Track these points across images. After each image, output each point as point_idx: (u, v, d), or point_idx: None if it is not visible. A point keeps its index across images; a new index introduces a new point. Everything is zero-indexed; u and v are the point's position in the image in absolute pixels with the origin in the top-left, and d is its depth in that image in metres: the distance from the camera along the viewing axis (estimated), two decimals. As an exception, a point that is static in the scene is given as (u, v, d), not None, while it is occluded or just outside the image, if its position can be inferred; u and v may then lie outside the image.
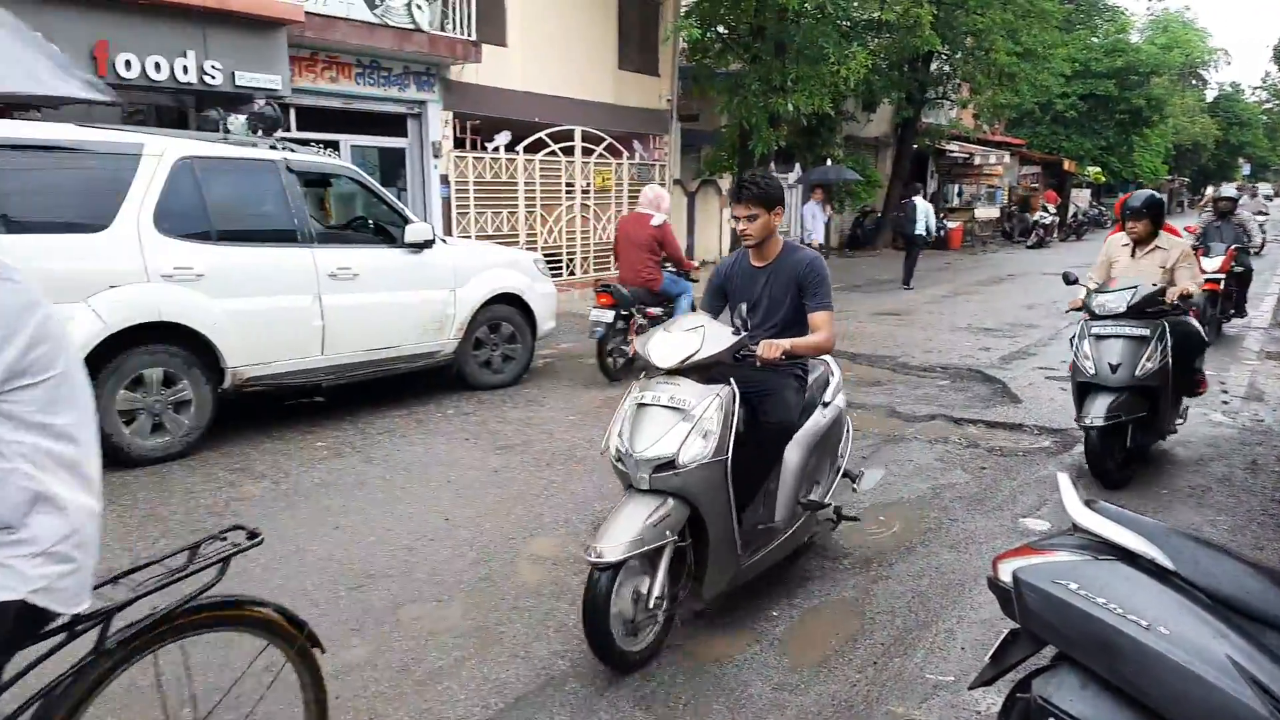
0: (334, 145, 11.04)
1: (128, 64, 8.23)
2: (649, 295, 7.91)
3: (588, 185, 15.32)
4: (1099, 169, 35.53)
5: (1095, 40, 34.36)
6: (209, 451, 5.64)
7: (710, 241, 18.67)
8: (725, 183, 18.23)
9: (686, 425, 3.09)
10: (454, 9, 12.18)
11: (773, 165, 17.89)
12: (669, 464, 3.04)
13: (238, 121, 6.18)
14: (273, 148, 6.17)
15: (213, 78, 8.79)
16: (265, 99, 7.74)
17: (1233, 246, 9.98)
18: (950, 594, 3.81)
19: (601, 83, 15.52)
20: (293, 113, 10.65)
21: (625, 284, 7.88)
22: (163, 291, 5.39)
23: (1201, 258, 9.60)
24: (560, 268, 14.56)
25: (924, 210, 15.28)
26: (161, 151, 5.46)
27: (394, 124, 12.36)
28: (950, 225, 24.39)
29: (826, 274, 3.73)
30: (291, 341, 6.12)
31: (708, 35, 15.69)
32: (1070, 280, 5.98)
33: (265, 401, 6.53)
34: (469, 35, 12.24)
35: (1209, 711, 2.06)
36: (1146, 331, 5.06)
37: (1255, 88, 59.11)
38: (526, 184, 14.11)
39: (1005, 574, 2.42)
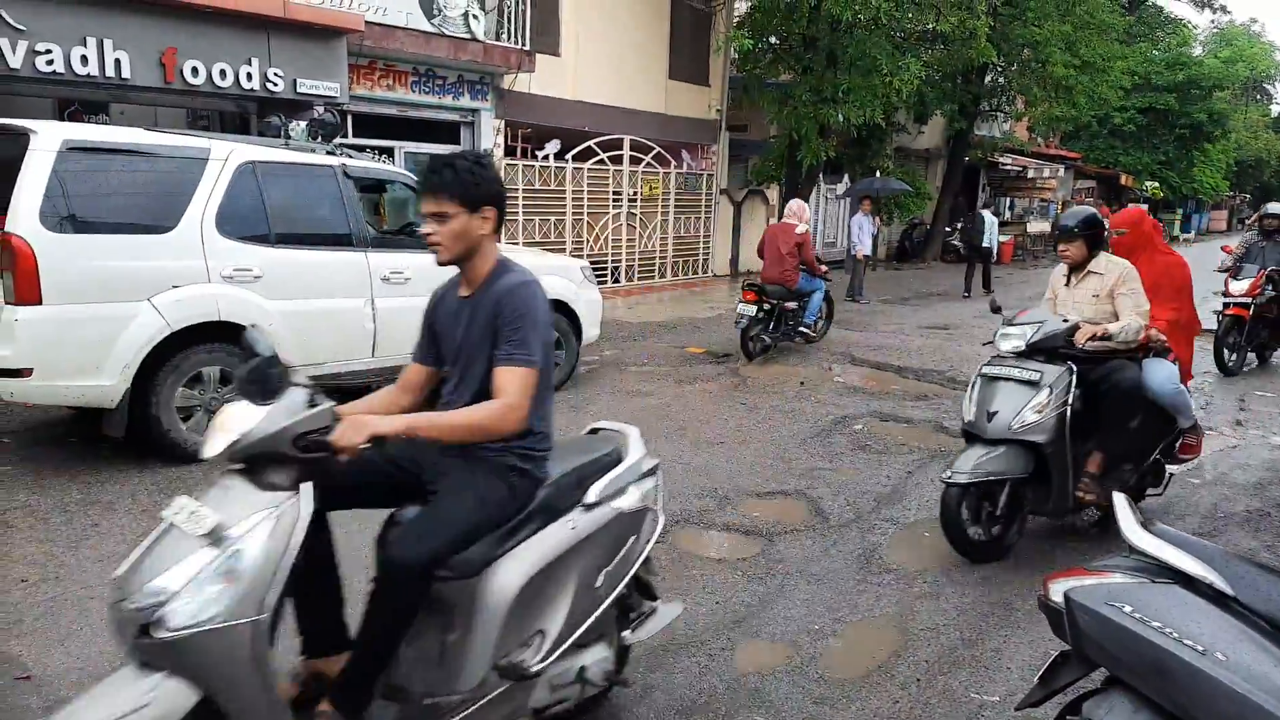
0: (389, 152, 11.24)
1: (194, 70, 8.48)
2: (786, 292, 9.17)
3: (634, 194, 15.39)
4: (1157, 184, 34.70)
5: (1156, 53, 33.66)
6: (261, 448, 5.75)
7: (756, 252, 18.62)
8: (772, 193, 18.17)
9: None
10: (509, 19, 12.35)
11: (821, 176, 17.79)
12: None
13: (298, 127, 6.33)
14: (330, 153, 6.31)
15: (275, 84, 9.01)
16: (325, 106, 7.92)
17: (1269, 268, 9.17)
18: (997, 613, 3.75)
19: (652, 92, 15.59)
20: (350, 119, 10.88)
21: (767, 282, 9.14)
22: (222, 292, 5.53)
23: (1231, 280, 9.28)
24: (605, 276, 14.63)
25: (990, 223, 16.30)
26: (226, 156, 5.61)
27: (447, 131, 12.55)
28: (1002, 239, 23.96)
29: (534, 308, 2.42)
30: (344, 343, 6.24)
31: (759, 46, 15.68)
32: (995, 310, 5.06)
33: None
34: (523, 45, 12.40)
35: (1266, 742, 2.00)
36: (1037, 376, 4.21)
37: (1324, 102, 57.23)
38: (574, 192, 14.21)
39: (1057, 594, 2.39)
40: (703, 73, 16.65)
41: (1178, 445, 4.74)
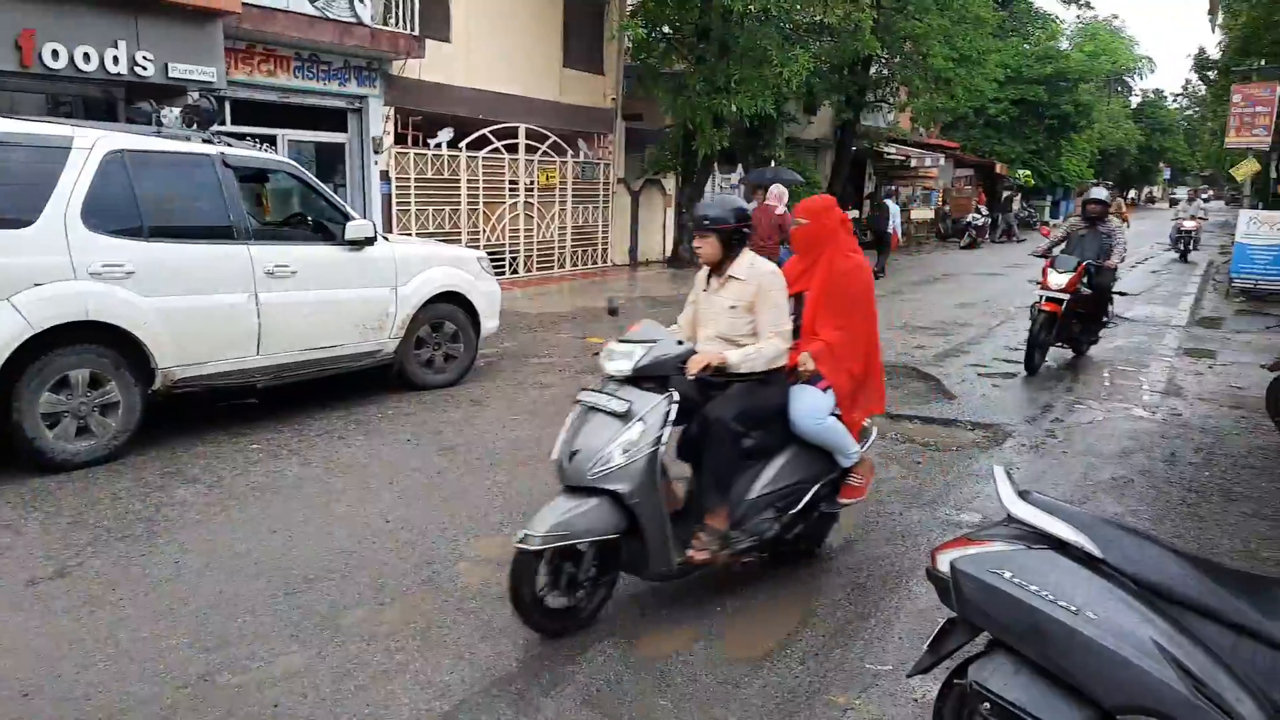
0: (271, 140, 10.78)
1: (55, 53, 7.93)
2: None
3: (531, 183, 15.25)
4: (1029, 172, 36.58)
5: (1027, 47, 35.40)
6: (137, 456, 5.45)
7: (654, 241, 18.75)
8: (669, 183, 18.31)
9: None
10: (397, 3, 12.01)
11: (716, 165, 18.03)
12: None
13: (171, 115, 6.00)
14: (207, 141, 6.01)
15: (144, 69, 8.51)
16: (200, 92, 7.53)
17: (1087, 260, 8.40)
18: (888, 585, 3.91)
19: (546, 80, 15.45)
20: (228, 106, 10.38)
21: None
22: (90, 289, 5.20)
23: (1049, 271, 8.36)
24: (503, 266, 14.46)
25: (894, 211, 18.81)
26: (91, 145, 5.27)
27: (333, 119, 12.14)
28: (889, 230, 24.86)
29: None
30: (226, 341, 5.96)
31: (652, 35, 15.75)
32: (612, 312, 4.39)
33: (196, 404, 6.36)
34: (412, 30, 12.09)
35: (1133, 691, 2.16)
36: (625, 407, 3.32)
37: (1176, 95, 61.58)
38: (469, 181, 13.98)
39: (943, 564, 2.49)
40: (597, 61, 16.62)
41: (840, 488, 4.03)
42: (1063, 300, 8.12)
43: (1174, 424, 6.76)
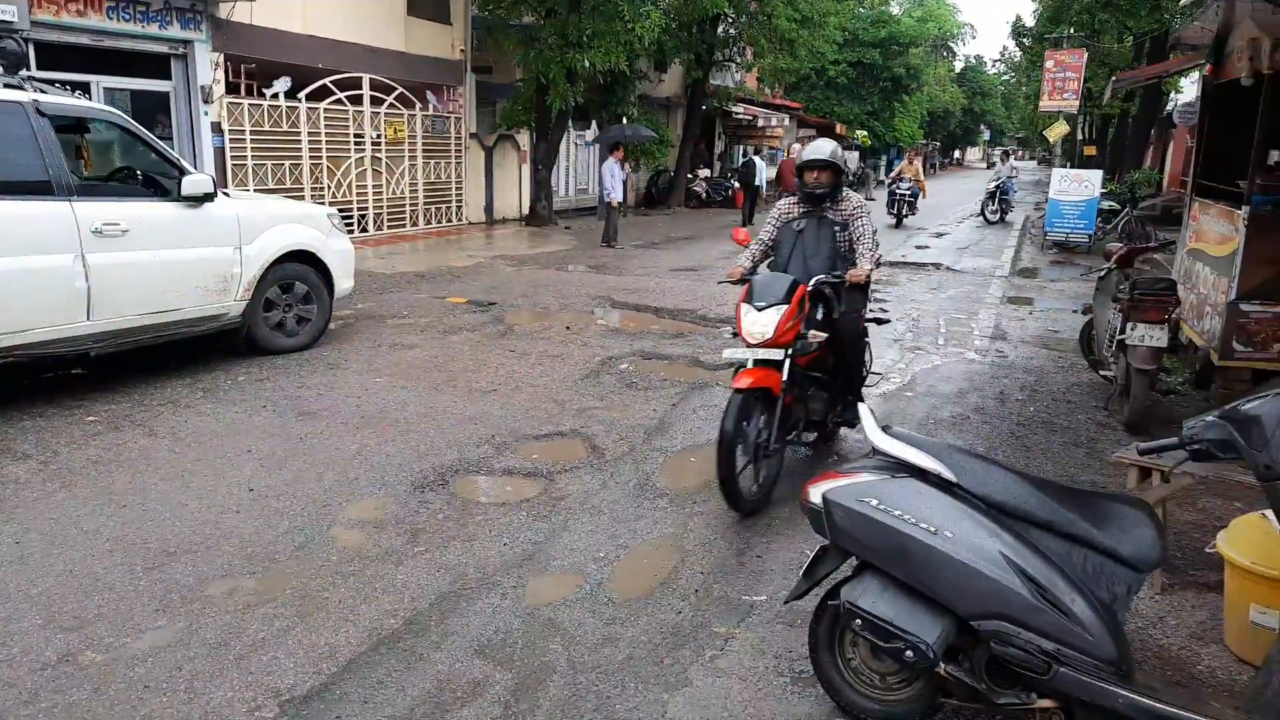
0: (84, 87, 9.80)
1: None
2: None
3: (378, 137, 14.64)
4: (865, 133, 38.38)
5: (862, 10, 36.87)
6: (-45, 433, 4.96)
7: (510, 197, 18.44)
8: (523, 138, 18.01)
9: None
10: (221, -61, 11.13)
11: (570, 122, 17.88)
12: None
13: (-32, 55, 5.37)
14: (17, 88, 5.43)
15: (-75, 2, 7.55)
16: (4, 33, 6.77)
17: (810, 281, 4.59)
18: (761, 524, 4.12)
19: (390, 29, 14.77)
20: (32, 50, 9.35)
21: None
22: (-117, 251, 4.64)
23: (743, 309, 5.85)
24: (352, 224, 13.87)
25: (761, 166, 20.93)
26: None
27: (154, 64, 11.17)
28: (737, 184, 25.50)
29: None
30: (51, 306, 5.46)
31: (501, -15, 15.35)
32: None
33: (18, 376, 5.83)
34: (239, -31, 11.24)
35: (986, 599, 2.40)
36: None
37: (995, 60, 65.81)
38: (311, 134, 13.26)
39: (815, 496, 2.67)
40: (444, 10, 16.03)
41: None
42: (781, 363, 4.23)
43: (1002, 365, 7.38)
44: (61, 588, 3.34)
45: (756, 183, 20.56)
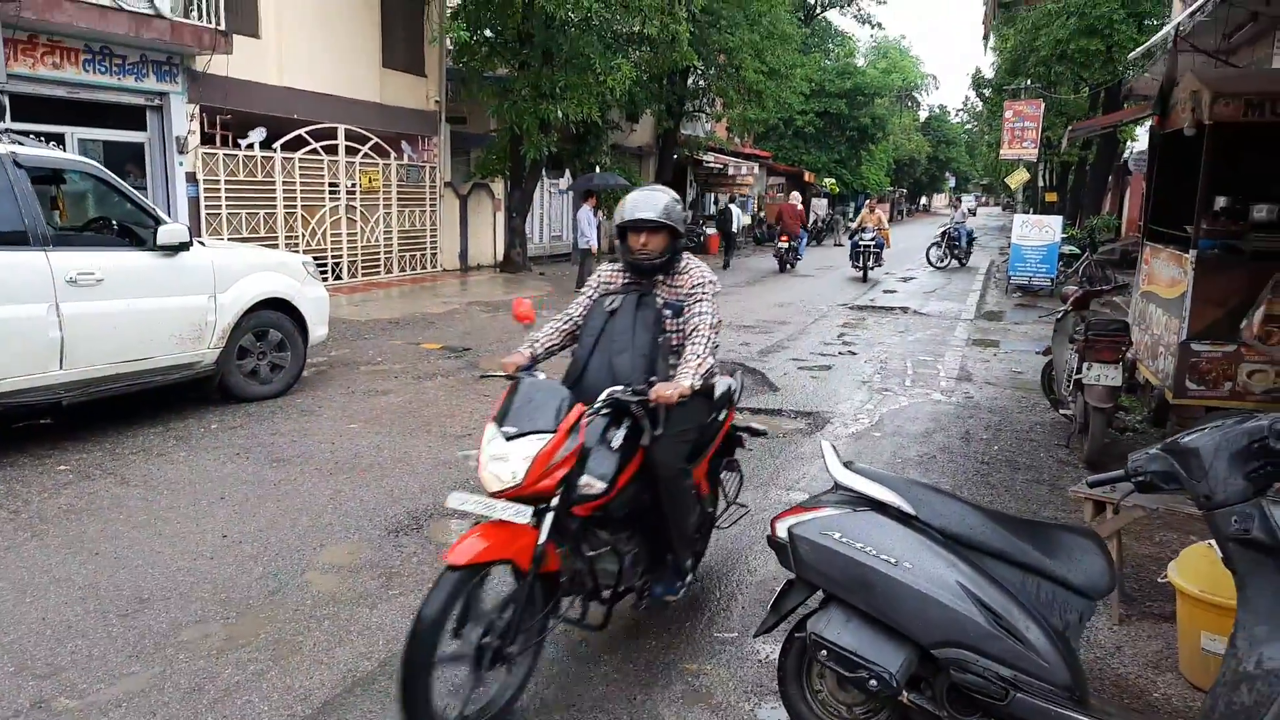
0: (59, 139, 9.87)
1: None
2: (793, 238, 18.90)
3: (353, 186, 14.77)
4: (834, 180, 39.19)
5: (828, 63, 37.90)
6: (-78, 483, 4.92)
7: (485, 244, 18.60)
8: (497, 187, 18.24)
9: None
10: (199, -6, 11.32)
11: (544, 170, 18.16)
12: None
13: (-53, 109, 5.44)
14: (-7, 139, 5.50)
15: (-98, 56, 7.62)
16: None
17: (598, 408, 6.08)
18: (729, 561, 4.19)
19: (366, 81, 15.01)
20: (6, 101, 9.41)
21: (792, 235, 19.61)
22: None
23: (484, 453, 6.12)
24: (326, 272, 13.93)
25: (737, 214, 22.50)
26: None
27: (130, 116, 11.27)
28: (709, 232, 25.91)
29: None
30: (23, 355, 5.47)
31: (475, 39, 15.66)
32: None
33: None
34: (216, 24, 11.41)
35: (945, 627, 2.50)
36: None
37: (958, 109, 67.64)
38: (286, 183, 13.37)
39: (781, 531, 2.77)
40: (418, 62, 16.32)
41: None
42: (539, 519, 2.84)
43: (967, 406, 7.55)
44: (34, 635, 3.34)
45: (733, 229, 21.87)
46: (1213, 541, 3.12)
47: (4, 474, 5.18)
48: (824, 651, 2.63)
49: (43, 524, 4.45)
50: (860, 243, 18.65)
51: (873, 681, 2.54)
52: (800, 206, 21.64)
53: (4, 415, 5.70)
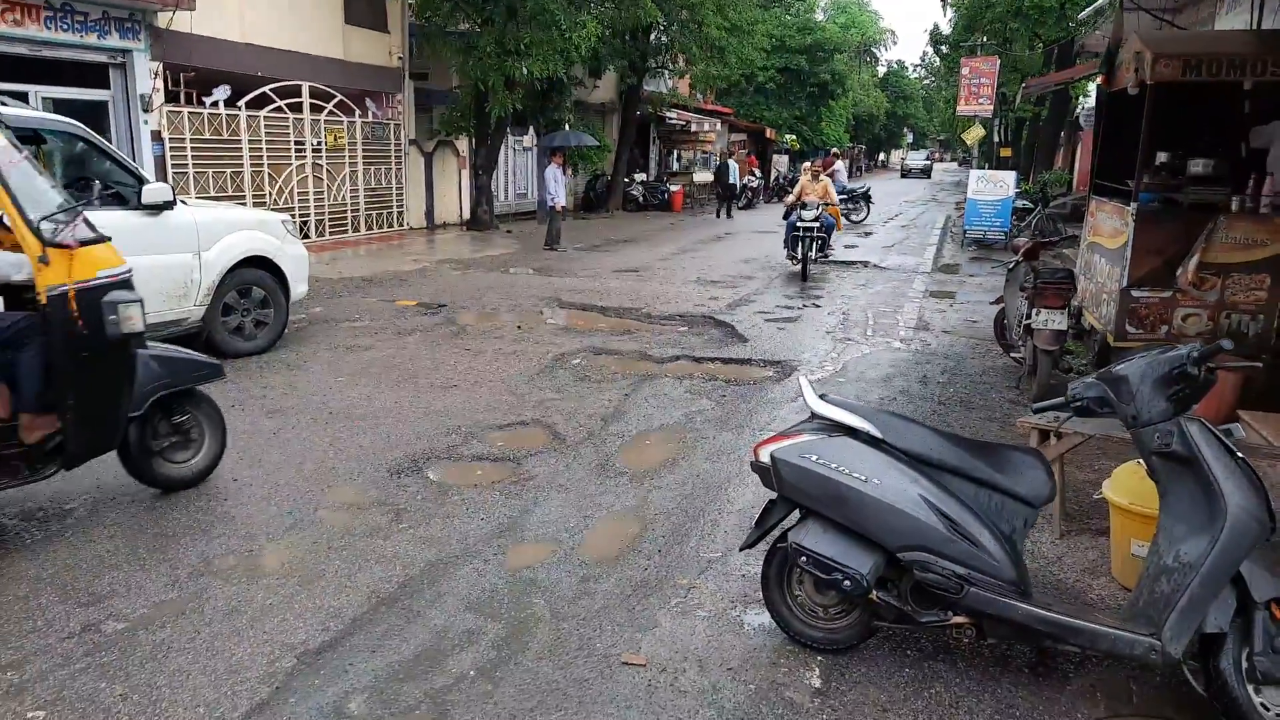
0: (22, 96, 9.74)
1: None
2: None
3: (319, 144, 14.71)
4: (794, 137, 39.43)
5: (789, 18, 37.91)
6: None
7: (451, 203, 18.62)
8: (462, 144, 18.21)
9: None
10: (158, -51, 11.15)
11: (509, 128, 18.15)
12: None
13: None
14: (-24, 100, 5.55)
15: None
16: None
17: None
18: (711, 493, 4.55)
19: (329, 37, 14.87)
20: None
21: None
22: None
23: None
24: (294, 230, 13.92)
25: (733, 167, 23.79)
26: None
27: (93, 74, 11.13)
28: (674, 188, 26.09)
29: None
30: (18, 313, 5.60)
31: (437, -6, 15.56)
32: None
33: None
34: (178, -21, 11.26)
35: (909, 534, 2.88)
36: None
37: (916, 65, 68.09)
38: (251, 142, 13.30)
39: (764, 456, 3.11)
40: (381, 19, 16.16)
41: None
42: None
43: (925, 353, 7.97)
44: (71, 570, 3.58)
45: (731, 180, 23.46)
46: (1140, 460, 3.54)
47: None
48: (803, 558, 2.99)
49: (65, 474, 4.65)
50: (799, 224, 12.46)
51: (846, 583, 2.92)
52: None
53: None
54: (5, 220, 3.77)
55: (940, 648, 3.15)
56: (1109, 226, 6.90)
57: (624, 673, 2.98)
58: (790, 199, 13.33)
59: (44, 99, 10.44)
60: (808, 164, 16.89)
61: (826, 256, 13.29)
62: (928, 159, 61.50)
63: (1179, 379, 2.76)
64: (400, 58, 16.58)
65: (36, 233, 3.58)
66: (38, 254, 3.59)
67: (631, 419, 5.81)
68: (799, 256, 12.45)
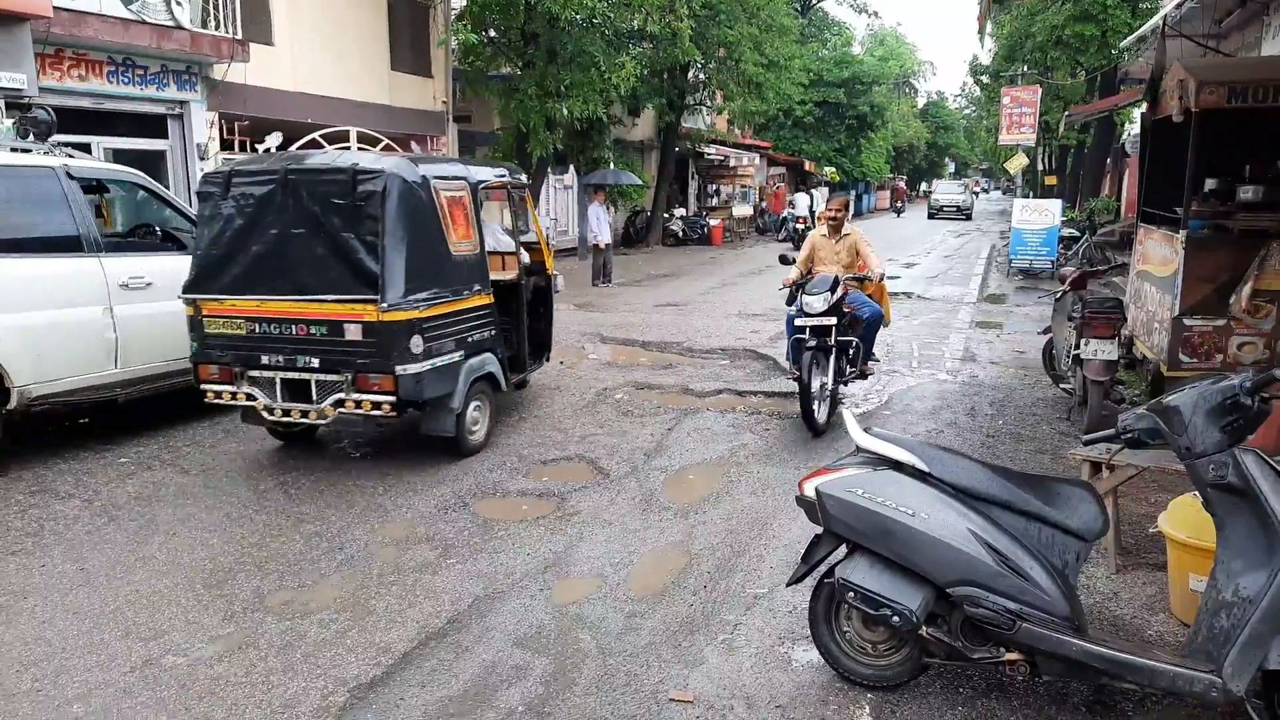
0: (86, 148, 10.18)
1: None
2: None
3: (366, 188, 15.06)
4: (834, 169, 39.43)
5: (825, 53, 38.12)
6: (-3, 477, 5.28)
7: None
8: (504, 184, 18.50)
9: None
10: (216, 6, 11.63)
11: (549, 167, 18.45)
12: None
13: (4, 125, 5.78)
14: (48, 153, 5.84)
15: (-54, 75, 7.96)
16: (35, 103, 7.17)
17: None
18: (756, 528, 4.53)
19: (375, 84, 15.32)
20: (54, 116, 9.72)
21: None
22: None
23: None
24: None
25: (804, 202, 26.37)
26: (-76, 157, 5.05)
27: (153, 125, 11.59)
28: (713, 223, 26.23)
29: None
30: (82, 356, 5.81)
31: (481, 40, 15.97)
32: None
33: (47, 422, 6.15)
34: (233, 33, 11.73)
35: (958, 569, 2.84)
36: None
37: (956, 95, 67.77)
38: (302, 187, 13.68)
39: (810, 490, 3.11)
40: (425, 64, 16.62)
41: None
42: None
43: (972, 385, 7.88)
44: (131, 605, 3.69)
45: (804, 214, 25.89)
46: (1196, 492, 3.46)
47: (70, 466, 5.53)
48: (851, 594, 2.97)
49: (116, 510, 4.80)
50: (804, 323, 6.34)
51: (895, 618, 2.89)
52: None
53: (59, 414, 6.04)
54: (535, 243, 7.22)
55: (993, 685, 3.10)
56: (1158, 254, 6.79)
57: (672, 710, 2.97)
58: (792, 274, 6.88)
59: (105, 149, 10.88)
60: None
61: (863, 375, 7.02)
62: (965, 190, 44.41)
63: (1232, 409, 2.72)
64: (444, 101, 17.00)
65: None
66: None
67: (675, 453, 5.83)
68: (806, 380, 6.16)
